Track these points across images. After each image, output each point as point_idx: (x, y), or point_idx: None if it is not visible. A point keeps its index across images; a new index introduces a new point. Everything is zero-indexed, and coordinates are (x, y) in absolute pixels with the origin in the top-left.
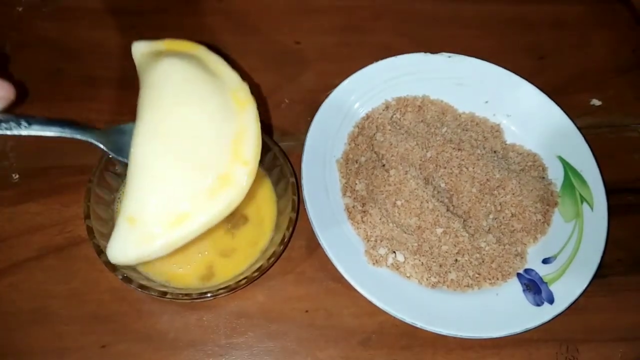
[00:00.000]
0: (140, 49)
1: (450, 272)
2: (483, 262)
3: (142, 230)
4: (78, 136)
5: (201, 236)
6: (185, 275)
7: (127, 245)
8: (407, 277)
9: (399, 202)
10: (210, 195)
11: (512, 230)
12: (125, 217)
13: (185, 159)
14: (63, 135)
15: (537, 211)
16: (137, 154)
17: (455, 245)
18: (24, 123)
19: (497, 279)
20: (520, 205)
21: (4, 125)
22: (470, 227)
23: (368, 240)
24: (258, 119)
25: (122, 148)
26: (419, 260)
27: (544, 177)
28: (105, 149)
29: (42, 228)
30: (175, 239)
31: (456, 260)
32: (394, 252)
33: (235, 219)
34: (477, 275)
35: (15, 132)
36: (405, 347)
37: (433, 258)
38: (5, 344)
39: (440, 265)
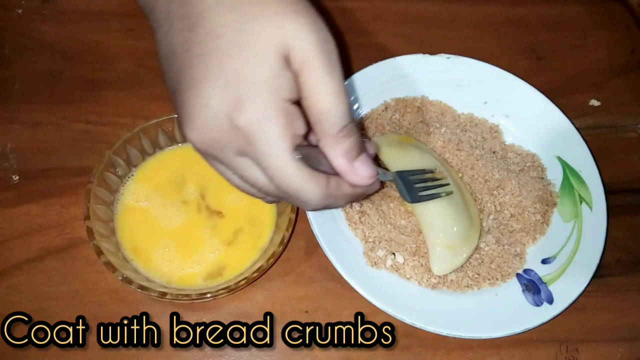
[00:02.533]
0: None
1: (449, 272)
2: (482, 262)
3: (454, 250)
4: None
5: (202, 236)
6: (192, 275)
7: (448, 261)
8: (407, 278)
9: (391, 204)
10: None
11: (511, 230)
12: (442, 245)
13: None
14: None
15: (537, 211)
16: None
17: None
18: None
19: (497, 279)
20: (519, 206)
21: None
22: None
23: (366, 242)
24: None
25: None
26: (418, 262)
27: (542, 178)
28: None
29: (42, 229)
30: (467, 256)
31: None
32: (393, 253)
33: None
34: (476, 276)
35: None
36: (404, 347)
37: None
38: (5, 345)
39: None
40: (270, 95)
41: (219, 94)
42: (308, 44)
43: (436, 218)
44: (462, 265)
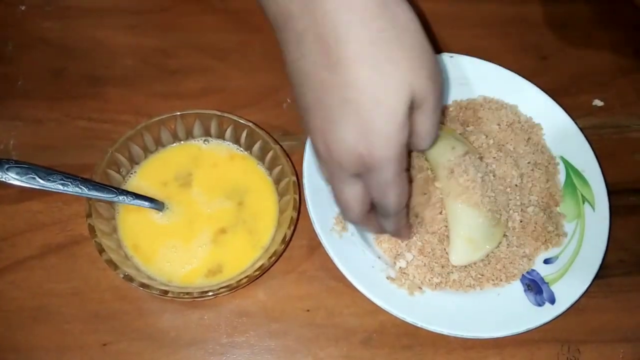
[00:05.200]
0: None
1: (452, 272)
2: (489, 263)
3: (475, 245)
4: None
5: (203, 233)
6: (193, 272)
7: (467, 254)
8: (410, 278)
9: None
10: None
11: (520, 233)
12: (463, 238)
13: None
14: None
15: (544, 213)
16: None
17: None
18: None
19: (501, 280)
20: (528, 206)
21: None
22: None
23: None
24: None
25: None
26: (422, 261)
27: (547, 180)
28: None
29: (44, 226)
30: (487, 252)
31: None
32: (399, 253)
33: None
34: (479, 276)
35: None
36: (406, 346)
37: (435, 259)
38: (6, 342)
39: (443, 266)
40: (395, 144)
41: (354, 135)
42: (428, 92)
43: (462, 211)
44: (467, 265)
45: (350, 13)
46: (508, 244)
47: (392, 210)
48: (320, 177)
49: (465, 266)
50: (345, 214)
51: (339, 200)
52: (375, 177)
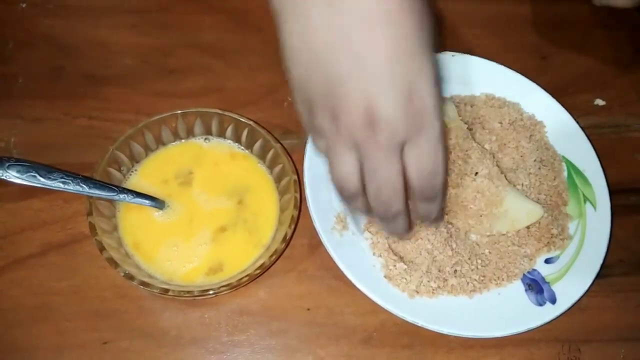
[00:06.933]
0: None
1: (448, 279)
2: (488, 263)
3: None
4: None
5: (204, 231)
6: (194, 270)
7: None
8: (406, 282)
9: None
10: None
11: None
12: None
13: None
14: None
15: (550, 214)
16: None
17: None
18: None
19: (502, 279)
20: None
21: None
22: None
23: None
24: None
25: None
26: (417, 267)
27: (555, 177)
28: None
29: (45, 224)
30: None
31: (456, 270)
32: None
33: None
34: (482, 278)
35: None
36: (406, 345)
37: (435, 263)
38: (6, 340)
39: (440, 270)
40: (437, 97)
41: (400, 93)
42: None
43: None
44: (463, 269)
45: None
46: (511, 243)
47: (441, 176)
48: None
49: (463, 271)
50: (342, 189)
51: (337, 172)
52: (427, 135)
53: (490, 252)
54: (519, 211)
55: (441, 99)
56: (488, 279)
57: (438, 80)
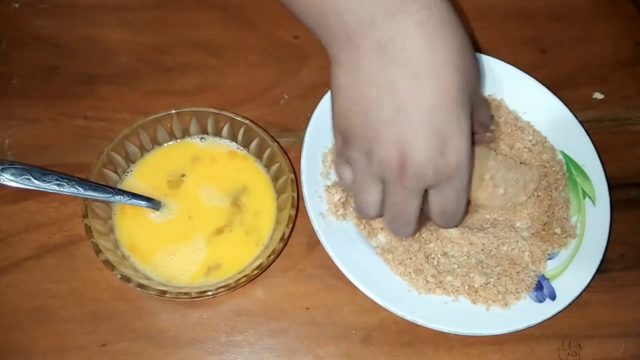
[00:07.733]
0: None
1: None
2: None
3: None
4: None
5: (201, 231)
6: (190, 271)
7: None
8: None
9: None
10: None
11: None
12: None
13: None
14: None
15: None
16: None
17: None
18: None
19: (510, 292)
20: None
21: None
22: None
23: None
24: None
25: None
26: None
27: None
28: None
29: (40, 227)
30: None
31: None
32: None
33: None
34: (486, 284)
35: None
36: (406, 344)
37: (428, 261)
38: (4, 343)
39: (439, 271)
40: (469, 149)
41: (436, 144)
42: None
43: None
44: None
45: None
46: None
47: (461, 214)
48: (319, 174)
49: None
50: (362, 212)
51: (363, 200)
52: (453, 185)
53: (495, 255)
54: (526, 174)
55: (473, 153)
56: (492, 284)
57: (471, 136)
